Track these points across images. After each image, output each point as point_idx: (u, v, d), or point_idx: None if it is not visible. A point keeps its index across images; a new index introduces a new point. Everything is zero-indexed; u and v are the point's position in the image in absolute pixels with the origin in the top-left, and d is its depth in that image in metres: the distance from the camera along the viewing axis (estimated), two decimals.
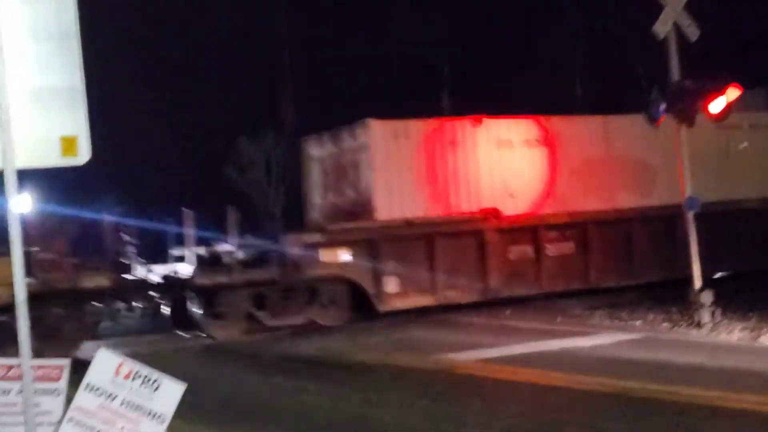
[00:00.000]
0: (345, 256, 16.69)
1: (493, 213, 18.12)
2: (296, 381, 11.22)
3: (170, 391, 6.09)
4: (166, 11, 32.68)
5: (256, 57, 33.49)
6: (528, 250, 18.40)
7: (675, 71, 14.42)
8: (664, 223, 18.78)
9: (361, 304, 16.89)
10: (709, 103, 13.93)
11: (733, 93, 13.81)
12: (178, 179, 42.26)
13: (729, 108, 13.96)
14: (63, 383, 6.28)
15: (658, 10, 14.31)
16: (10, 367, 6.01)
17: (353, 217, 17.85)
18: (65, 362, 6.35)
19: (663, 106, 14.15)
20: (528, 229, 18.37)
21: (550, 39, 38.64)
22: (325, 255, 16.49)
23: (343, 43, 35.45)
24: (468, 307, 18.16)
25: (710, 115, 14.12)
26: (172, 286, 16.44)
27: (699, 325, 13.65)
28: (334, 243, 16.68)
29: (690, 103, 14.06)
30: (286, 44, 29.22)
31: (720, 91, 13.84)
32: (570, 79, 39.77)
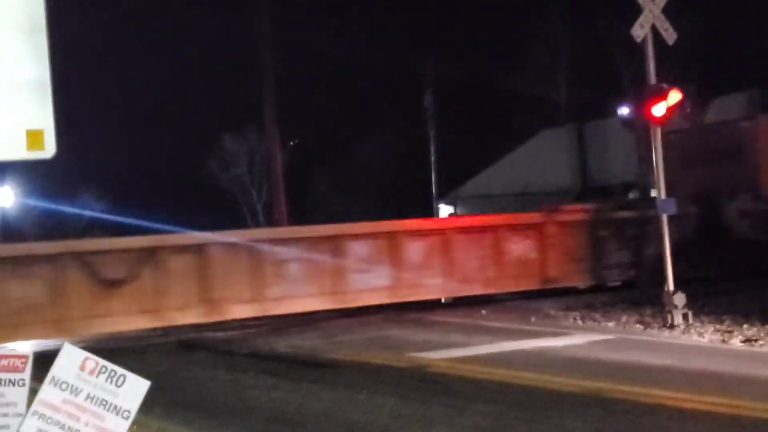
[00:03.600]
0: None
1: None
2: (268, 378, 11.22)
3: (135, 387, 6.10)
4: (150, 9, 32.59)
5: (240, 54, 33.46)
6: None
7: (652, 75, 14.52)
8: None
9: None
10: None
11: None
12: (161, 175, 42.15)
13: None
14: (27, 374, 6.28)
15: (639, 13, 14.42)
16: None
17: None
18: (29, 353, 6.36)
19: (626, 110, 14.32)
20: None
21: (534, 44, 38.78)
22: None
23: (328, 42, 35.45)
24: (444, 307, 18.27)
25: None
26: None
27: (671, 326, 13.76)
28: None
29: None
30: (269, 41, 29.17)
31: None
32: (554, 83, 39.96)
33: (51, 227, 38.63)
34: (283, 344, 14.28)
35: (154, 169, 42.34)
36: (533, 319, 15.61)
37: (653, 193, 25.73)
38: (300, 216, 32.21)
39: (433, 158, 37.52)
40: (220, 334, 15.99)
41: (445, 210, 37.02)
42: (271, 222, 32.13)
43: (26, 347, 14.23)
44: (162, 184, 42.51)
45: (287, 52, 32.60)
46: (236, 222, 37.51)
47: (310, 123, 39.00)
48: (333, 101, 39.81)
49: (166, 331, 16.05)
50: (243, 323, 16.68)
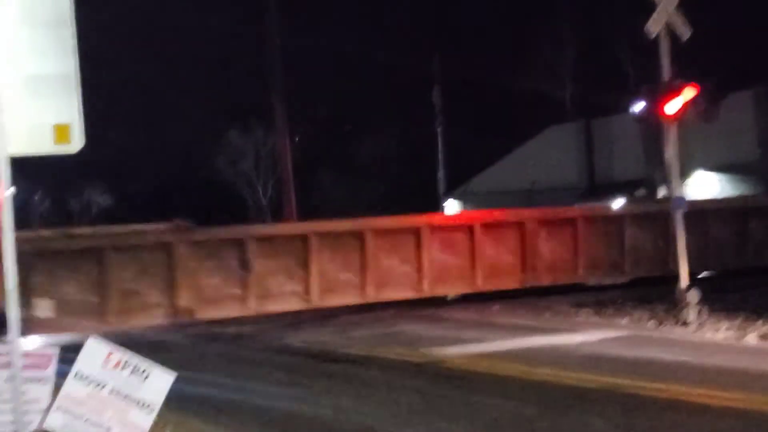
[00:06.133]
0: None
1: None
2: (283, 373, 11.23)
3: (160, 381, 6.10)
4: (158, 4, 32.57)
5: (247, 49, 33.44)
6: None
7: (666, 71, 14.50)
8: None
9: None
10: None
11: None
12: (168, 169, 42.19)
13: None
14: (51, 371, 6.27)
15: (649, 9, 14.38)
16: None
17: None
18: (54, 351, 6.34)
19: (641, 106, 14.29)
20: None
21: (540, 40, 38.73)
22: None
23: (335, 38, 35.43)
24: (456, 303, 18.25)
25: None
26: None
27: (685, 323, 13.74)
28: None
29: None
30: (277, 37, 29.14)
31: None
32: (561, 79, 39.91)
33: (57, 221, 38.70)
34: (296, 339, 14.29)
35: (161, 164, 42.37)
36: (546, 315, 15.61)
37: (661, 191, 25.79)
38: (308, 212, 32.20)
39: (440, 154, 37.55)
40: (232, 329, 15.98)
41: (452, 206, 37.04)
42: (280, 217, 32.14)
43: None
44: (169, 179, 42.56)
45: (294, 47, 32.58)
46: (242, 217, 37.56)
47: (316, 119, 38.99)
48: (340, 97, 39.79)
49: (180, 325, 16.04)
50: (255, 319, 16.68)
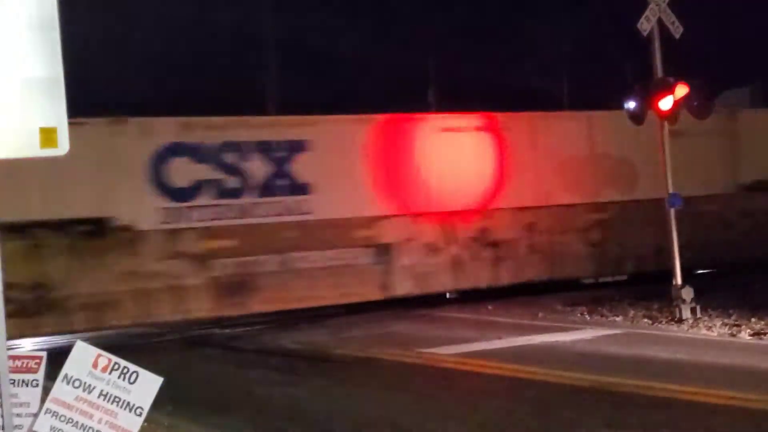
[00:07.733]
0: None
1: None
2: (277, 375, 11.22)
3: (148, 384, 6.09)
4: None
5: (241, 42, 33.42)
6: None
7: (658, 68, 14.50)
8: None
9: None
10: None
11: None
12: None
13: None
14: (41, 375, 6.27)
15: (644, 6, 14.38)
16: None
17: None
18: (43, 354, 6.34)
19: (632, 104, 14.32)
20: None
21: (536, 34, 38.68)
22: None
23: (330, 32, 35.41)
24: (450, 302, 18.26)
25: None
26: None
27: (679, 320, 13.75)
28: None
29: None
30: (271, 30, 29.13)
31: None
32: (557, 75, 39.86)
33: None
34: (290, 340, 14.27)
35: None
36: (540, 314, 15.60)
37: None
38: None
39: None
40: (226, 330, 15.99)
41: None
42: None
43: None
44: None
45: (287, 44, 32.56)
46: None
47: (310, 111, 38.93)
48: (335, 95, 39.77)
49: (172, 327, 16.04)
50: (248, 320, 16.67)
